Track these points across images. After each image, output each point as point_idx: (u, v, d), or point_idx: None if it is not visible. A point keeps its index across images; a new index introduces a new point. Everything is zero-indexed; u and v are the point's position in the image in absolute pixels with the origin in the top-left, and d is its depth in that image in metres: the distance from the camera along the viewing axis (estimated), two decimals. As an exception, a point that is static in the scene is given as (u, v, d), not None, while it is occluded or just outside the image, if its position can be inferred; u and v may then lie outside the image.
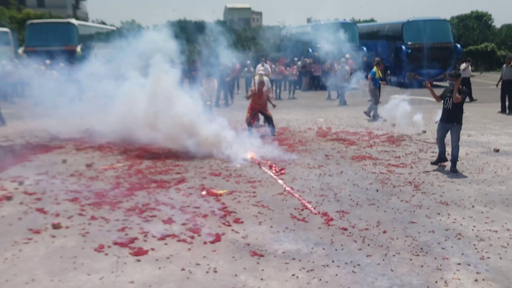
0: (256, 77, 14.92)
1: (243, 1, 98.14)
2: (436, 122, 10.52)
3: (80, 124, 13.92)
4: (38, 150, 11.40)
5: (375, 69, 16.33)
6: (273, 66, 23.24)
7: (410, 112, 14.37)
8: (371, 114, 15.95)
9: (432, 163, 9.76)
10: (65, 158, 10.42)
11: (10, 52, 30.78)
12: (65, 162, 10.14)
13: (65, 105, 16.18)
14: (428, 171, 9.36)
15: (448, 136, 9.52)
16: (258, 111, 13.44)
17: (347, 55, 25.21)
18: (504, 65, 17.14)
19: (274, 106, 14.15)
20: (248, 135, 12.39)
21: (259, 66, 21.66)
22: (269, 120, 13.46)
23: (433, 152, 10.96)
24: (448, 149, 9.64)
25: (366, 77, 18.18)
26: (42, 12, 47.10)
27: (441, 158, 9.64)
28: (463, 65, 20.78)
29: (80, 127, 13.81)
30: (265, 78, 16.06)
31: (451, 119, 9.33)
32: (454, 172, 9.19)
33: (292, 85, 23.97)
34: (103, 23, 48.25)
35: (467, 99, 15.01)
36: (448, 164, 9.54)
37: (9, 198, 7.65)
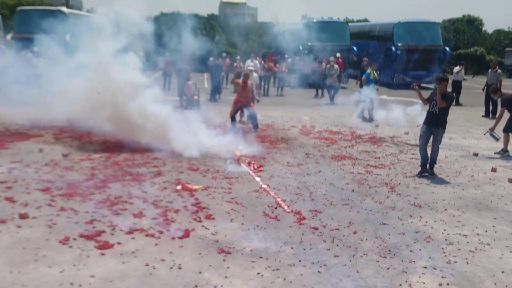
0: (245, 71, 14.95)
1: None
2: (418, 126, 10.36)
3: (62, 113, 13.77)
4: (16, 137, 11.24)
5: (369, 70, 16.25)
6: (262, 62, 23.22)
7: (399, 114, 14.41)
8: (365, 114, 15.85)
9: (418, 176, 9.18)
10: (42, 147, 10.28)
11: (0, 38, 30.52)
12: (42, 151, 10.01)
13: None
14: (405, 173, 9.36)
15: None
16: (243, 105, 13.30)
17: (338, 54, 25.24)
18: (490, 70, 17.23)
19: (257, 100, 14.00)
20: (230, 129, 12.38)
21: (249, 62, 21.66)
22: (253, 118, 13.23)
23: (413, 154, 10.99)
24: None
25: (358, 78, 18.10)
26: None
27: (424, 166, 9.27)
28: (456, 68, 20.93)
29: (62, 116, 13.66)
30: (254, 75, 16.06)
31: (436, 124, 9.09)
32: (431, 175, 9.15)
33: (281, 82, 23.92)
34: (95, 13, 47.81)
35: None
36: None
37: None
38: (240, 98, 13.22)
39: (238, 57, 24.71)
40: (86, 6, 76.66)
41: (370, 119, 15.62)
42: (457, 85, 20.35)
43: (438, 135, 9.14)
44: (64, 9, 29.06)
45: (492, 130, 11.07)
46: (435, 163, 9.34)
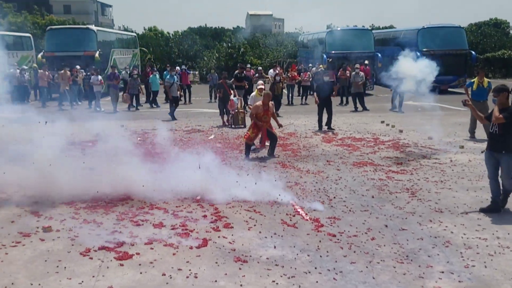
0: (254, 94, 12.88)
1: (266, 8, 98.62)
2: (482, 152, 8.94)
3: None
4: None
5: (476, 79, 15.48)
6: (281, 71, 22.72)
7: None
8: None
9: (482, 210, 7.31)
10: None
11: (31, 57, 31.52)
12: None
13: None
14: (427, 178, 9.25)
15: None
16: (265, 129, 11.15)
17: (366, 62, 25.15)
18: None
19: (280, 125, 11.66)
20: (244, 158, 10.95)
21: (271, 72, 21.59)
22: (273, 140, 11.31)
23: (436, 158, 10.85)
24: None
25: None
26: (65, 19, 47.88)
27: (495, 203, 7.28)
28: None
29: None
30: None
31: (498, 147, 7.17)
32: (502, 207, 7.35)
33: (305, 92, 23.86)
34: (126, 29, 48.95)
35: None
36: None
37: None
38: (260, 123, 11.03)
39: (260, 68, 24.89)
40: (118, 23, 78.34)
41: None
42: None
43: (504, 162, 7.13)
44: (92, 27, 29.86)
45: None
46: (509, 195, 7.39)
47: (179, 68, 24.50)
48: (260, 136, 11.56)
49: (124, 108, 20.76)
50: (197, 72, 37.64)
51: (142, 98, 22.92)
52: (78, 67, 23.41)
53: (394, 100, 19.52)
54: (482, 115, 7.70)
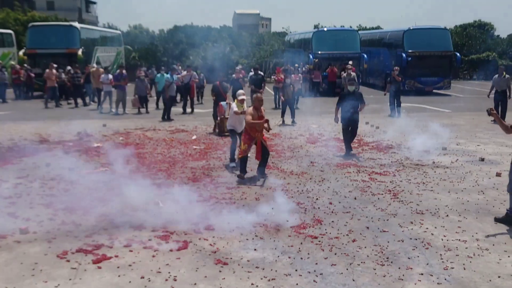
0: (233, 104, 10.52)
1: (253, 7, 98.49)
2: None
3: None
4: (24, 153, 11.41)
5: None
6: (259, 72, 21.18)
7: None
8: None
9: (496, 220, 7.03)
10: (49, 162, 10.42)
11: (13, 54, 31.10)
12: (49, 166, 10.14)
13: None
14: (409, 179, 9.28)
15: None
16: (259, 141, 9.56)
17: (350, 62, 25.09)
18: (497, 75, 16.91)
19: (269, 129, 9.82)
20: (238, 174, 9.50)
21: (251, 74, 20.14)
22: (265, 154, 9.72)
23: (418, 160, 10.89)
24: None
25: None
26: (48, 15, 47.14)
27: (509, 216, 6.93)
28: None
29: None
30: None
31: None
32: None
33: (296, 94, 22.34)
34: (111, 27, 48.46)
35: None
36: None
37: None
38: (253, 132, 9.50)
39: (240, 66, 23.64)
40: (102, 20, 77.56)
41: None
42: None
43: None
44: (76, 24, 29.51)
45: None
46: None
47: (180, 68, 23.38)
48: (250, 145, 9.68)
49: (134, 111, 19.67)
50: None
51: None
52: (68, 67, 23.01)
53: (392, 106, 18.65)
54: (508, 125, 6.97)
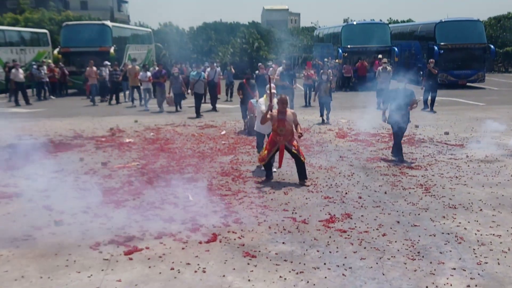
0: (262, 99, 9.81)
1: (282, 2, 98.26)
2: None
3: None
4: (58, 148, 11.68)
5: None
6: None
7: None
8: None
9: None
10: (82, 157, 10.64)
11: (48, 52, 31.86)
12: (82, 160, 10.36)
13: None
14: (442, 174, 9.11)
15: None
16: (282, 146, 8.75)
17: (380, 56, 24.71)
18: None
19: (300, 135, 8.80)
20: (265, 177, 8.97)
21: (279, 69, 18.49)
22: (298, 162, 8.77)
23: (451, 154, 10.68)
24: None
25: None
26: (81, 14, 48.13)
27: None
28: None
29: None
30: (262, 107, 9.64)
31: None
32: None
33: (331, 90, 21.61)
34: (142, 25, 49.06)
35: None
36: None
37: (18, 195, 7.85)
38: (275, 137, 8.75)
39: (270, 62, 23.64)
40: (133, 19, 78.57)
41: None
42: None
43: None
44: (108, 22, 30.03)
45: None
46: None
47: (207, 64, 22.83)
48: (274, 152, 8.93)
49: (171, 109, 19.07)
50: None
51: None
52: (107, 62, 23.40)
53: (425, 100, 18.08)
54: None
